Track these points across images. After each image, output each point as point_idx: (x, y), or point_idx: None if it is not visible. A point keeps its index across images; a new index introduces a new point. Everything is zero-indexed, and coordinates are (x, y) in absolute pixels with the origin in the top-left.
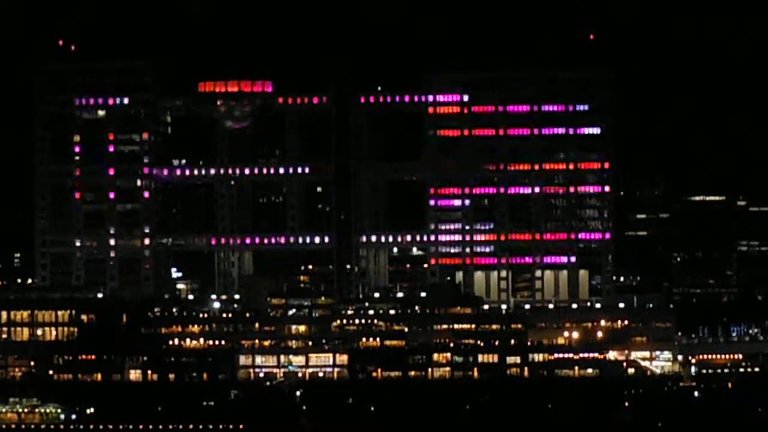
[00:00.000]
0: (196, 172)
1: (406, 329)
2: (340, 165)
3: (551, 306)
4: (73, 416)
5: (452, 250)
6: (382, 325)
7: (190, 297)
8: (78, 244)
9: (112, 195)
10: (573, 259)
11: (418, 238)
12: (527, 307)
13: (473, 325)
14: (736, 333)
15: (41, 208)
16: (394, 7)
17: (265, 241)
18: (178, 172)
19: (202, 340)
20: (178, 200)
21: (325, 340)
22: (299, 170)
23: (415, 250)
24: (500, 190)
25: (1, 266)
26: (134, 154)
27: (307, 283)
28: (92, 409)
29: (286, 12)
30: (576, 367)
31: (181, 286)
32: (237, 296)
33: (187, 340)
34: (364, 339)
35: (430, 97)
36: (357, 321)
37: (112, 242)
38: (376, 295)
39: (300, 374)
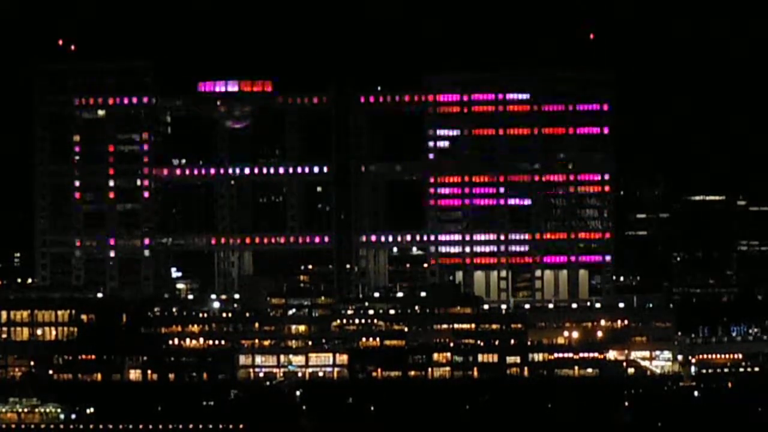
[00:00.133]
0: (196, 172)
1: (406, 329)
2: (340, 165)
3: (551, 306)
4: (73, 416)
5: (452, 250)
6: (382, 325)
7: (190, 297)
8: (78, 244)
9: (112, 195)
10: (573, 259)
11: (418, 238)
12: (527, 307)
13: (473, 325)
14: (736, 333)
15: (41, 208)
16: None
17: (265, 241)
18: (178, 172)
19: (202, 340)
20: (178, 200)
21: (325, 340)
22: (299, 170)
23: (415, 250)
24: (500, 190)
25: (1, 266)
26: (134, 154)
27: (307, 283)
28: (92, 409)
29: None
30: (576, 367)
31: (181, 286)
32: (237, 296)
33: (187, 340)
34: (364, 339)
35: (430, 97)
36: (357, 321)
37: (112, 242)
38: (376, 295)
39: (300, 374)
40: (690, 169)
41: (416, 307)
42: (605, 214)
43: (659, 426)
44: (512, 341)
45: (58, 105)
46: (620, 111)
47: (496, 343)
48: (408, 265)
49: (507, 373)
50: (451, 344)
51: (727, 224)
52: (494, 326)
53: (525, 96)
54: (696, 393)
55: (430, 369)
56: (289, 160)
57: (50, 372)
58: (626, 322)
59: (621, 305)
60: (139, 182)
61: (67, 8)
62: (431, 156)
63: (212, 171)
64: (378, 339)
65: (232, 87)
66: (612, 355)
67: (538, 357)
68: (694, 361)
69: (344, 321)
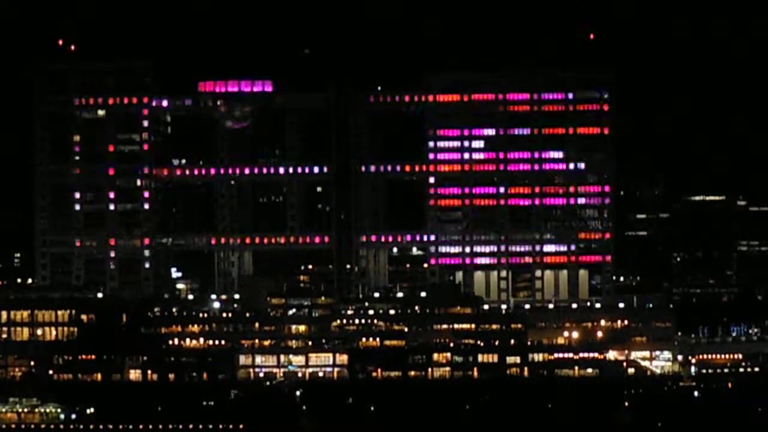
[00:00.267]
0: (196, 172)
1: (406, 329)
2: (340, 165)
3: (551, 306)
4: (73, 416)
5: (452, 250)
6: (382, 325)
7: (190, 297)
8: (78, 244)
9: (112, 195)
10: (573, 259)
11: (418, 238)
12: (527, 307)
13: (473, 325)
14: (736, 333)
15: (41, 208)
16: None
17: (265, 241)
18: (178, 172)
19: (202, 340)
20: (178, 200)
21: (325, 340)
22: (299, 170)
23: (415, 250)
24: (500, 190)
25: (1, 266)
26: (134, 154)
27: (307, 283)
28: (92, 409)
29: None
30: (576, 367)
31: (181, 286)
32: (237, 296)
33: (187, 340)
34: (364, 339)
35: (430, 97)
36: (357, 321)
37: (112, 242)
38: (376, 295)
39: (300, 374)
40: (690, 169)
41: (416, 307)
42: (605, 214)
43: (659, 426)
44: (512, 341)
45: (58, 105)
46: (620, 111)
47: (496, 343)
48: (408, 265)
49: (507, 373)
50: (451, 344)
51: (727, 224)
52: (494, 326)
53: (525, 96)
54: (696, 393)
55: (430, 369)
56: (289, 160)
57: (50, 372)
58: (626, 322)
59: (621, 305)
60: (139, 182)
61: (67, 8)
62: (431, 156)
63: (212, 171)
64: (378, 339)
65: (232, 87)
66: (612, 355)
67: (538, 357)
68: (694, 361)
69: (344, 321)
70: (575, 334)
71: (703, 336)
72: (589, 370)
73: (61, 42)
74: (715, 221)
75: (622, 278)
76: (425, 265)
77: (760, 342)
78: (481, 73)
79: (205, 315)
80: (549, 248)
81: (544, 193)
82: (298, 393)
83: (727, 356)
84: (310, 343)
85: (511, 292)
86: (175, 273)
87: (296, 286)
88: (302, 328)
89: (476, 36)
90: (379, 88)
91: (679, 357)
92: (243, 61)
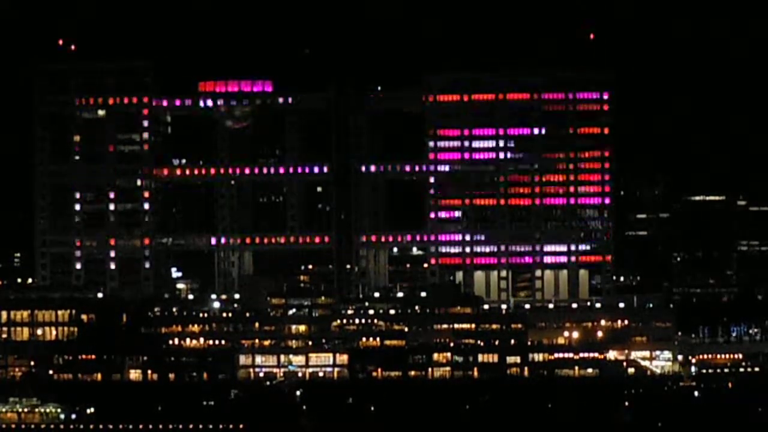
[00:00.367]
0: (196, 172)
1: (406, 329)
2: (340, 165)
3: (551, 306)
4: (73, 416)
5: (452, 250)
6: (382, 325)
7: (190, 297)
8: (78, 244)
9: (112, 195)
10: (573, 259)
11: (418, 238)
12: (527, 307)
13: (473, 325)
14: (736, 333)
15: (41, 208)
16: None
17: (265, 241)
18: (178, 172)
19: (202, 340)
20: (178, 200)
21: (325, 340)
22: (299, 170)
23: (415, 250)
24: (500, 190)
25: (1, 266)
26: (134, 154)
27: (307, 283)
28: (92, 409)
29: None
30: (576, 367)
31: (181, 286)
32: (237, 296)
33: (187, 340)
34: (364, 339)
35: (430, 97)
36: (357, 321)
37: (112, 242)
38: (376, 295)
39: (300, 374)
40: (690, 169)
41: (416, 307)
42: (605, 214)
43: (659, 426)
44: (512, 341)
45: (58, 105)
46: (620, 111)
47: (496, 343)
48: (408, 265)
49: (507, 373)
50: (451, 344)
51: (727, 224)
52: (494, 326)
53: (525, 96)
54: (696, 393)
55: (430, 369)
56: (289, 160)
57: (50, 372)
58: (626, 322)
59: (621, 305)
60: (139, 182)
61: (67, 8)
62: (431, 156)
63: (212, 171)
64: (378, 339)
65: (232, 87)
66: (612, 355)
67: (538, 357)
68: (694, 361)
69: (344, 321)
70: (575, 334)
71: (703, 336)
72: (589, 370)
73: (61, 42)
74: (715, 221)
75: (622, 278)
76: (425, 265)
77: (760, 342)
78: (481, 73)
79: (205, 315)
80: (549, 248)
81: (544, 193)
82: (298, 393)
83: (727, 356)
84: (310, 343)
85: (511, 292)
86: (175, 273)
87: (296, 286)
88: (302, 328)
89: (476, 36)
90: (379, 88)
91: (679, 357)
92: (243, 61)
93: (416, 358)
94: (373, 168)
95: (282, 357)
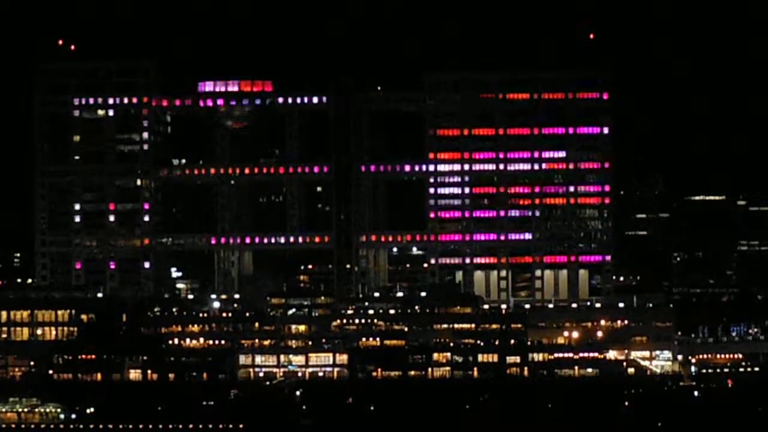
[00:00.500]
0: (196, 172)
1: (406, 329)
2: (340, 165)
3: (551, 306)
4: (73, 416)
5: (452, 250)
6: (382, 325)
7: (190, 297)
8: (78, 244)
9: (112, 195)
10: (573, 259)
11: (418, 238)
12: (527, 307)
13: (473, 325)
14: (736, 333)
15: (41, 208)
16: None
17: (265, 241)
18: (178, 172)
19: (202, 340)
20: (178, 200)
21: (325, 340)
22: (299, 170)
23: (415, 250)
24: (500, 190)
25: (1, 266)
26: (134, 154)
27: (307, 283)
28: (92, 409)
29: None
30: (576, 367)
31: (181, 286)
32: (237, 296)
33: (187, 340)
34: (364, 339)
35: (430, 97)
36: (357, 321)
37: (112, 242)
38: (376, 295)
39: (300, 374)
40: (690, 169)
41: (416, 307)
42: (605, 214)
43: (659, 426)
44: (512, 341)
45: (58, 105)
46: (620, 111)
47: (496, 343)
48: (408, 265)
49: (507, 373)
50: (451, 344)
51: (727, 224)
52: (494, 326)
53: (525, 96)
54: (696, 393)
55: (430, 369)
56: (289, 160)
57: (50, 372)
58: (626, 322)
59: (621, 305)
60: (139, 182)
61: (67, 8)
62: (431, 156)
63: (212, 171)
64: (378, 339)
65: (232, 87)
66: (612, 355)
67: (538, 357)
68: (694, 361)
69: (344, 321)
70: (575, 334)
71: (703, 336)
72: (589, 370)
73: (61, 42)
74: (715, 221)
75: (622, 278)
76: (425, 265)
77: (760, 342)
78: (481, 73)
79: (205, 315)
80: (549, 248)
81: (544, 193)
82: (298, 393)
83: (727, 356)
84: (310, 343)
85: (511, 292)
86: (175, 273)
87: (296, 286)
88: (302, 328)
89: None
90: (379, 88)
91: (679, 357)
92: (243, 61)
93: (416, 358)
94: (373, 168)
95: (282, 357)
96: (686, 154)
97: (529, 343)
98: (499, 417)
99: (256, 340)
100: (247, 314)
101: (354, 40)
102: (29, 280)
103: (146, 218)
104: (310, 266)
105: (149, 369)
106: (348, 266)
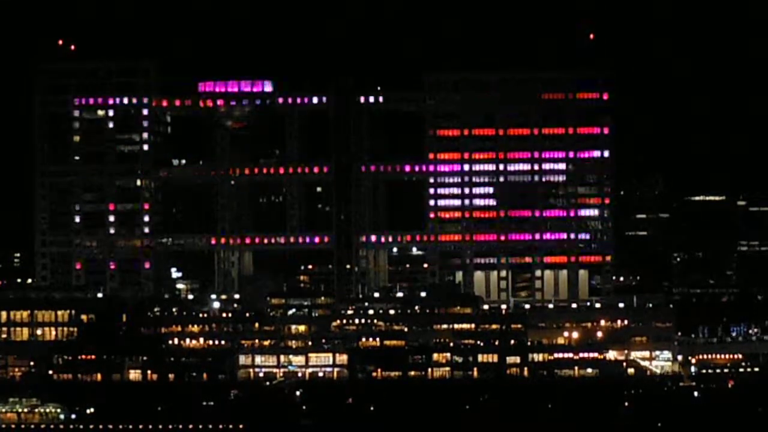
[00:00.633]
0: (196, 172)
1: (406, 329)
2: (340, 165)
3: (551, 306)
4: (73, 416)
5: (452, 250)
6: (382, 325)
7: (190, 297)
8: (78, 244)
9: (112, 195)
10: (573, 259)
11: (418, 238)
12: (527, 307)
13: (473, 325)
14: (736, 333)
15: (41, 208)
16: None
17: (265, 241)
18: (178, 172)
19: (202, 340)
20: (178, 200)
21: (324, 340)
22: (299, 170)
23: (415, 250)
24: (500, 190)
25: (1, 266)
26: (134, 154)
27: (307, 283)
28: (92, 409)
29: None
30: (576, 367)
31: (181, 286)
32: (237, 296)
33: (187, 340)
34: (364, 339)
35: (430, 97)
36: (357, 321)
37: (112, 242)
38: (376, 295)
39: (300, 374)
40: (690, 169)
41: (416, 307)
42: (605, 214)
43: (659, 426)
44: (512, 341)
45: (58, 105)
46: (620, 111)
47: (496, 343)
48: (408, 265)
49: (507, 373)
50: (451, 344)
51: (727, 224)
52: (494, 326)
53: (524, 96)
54: (696, 393)
55: (430, 369)
56: (289, 160)
57: (50, 372)
58: (626, 322)
59: (621, 305)
60: (139, 182)
61: (67, 8)
62: (431, 156)
63: (212, 171)
64: (378, 339)
65: (232, 87)
66: (612, 355)
67: (538, 357)
68: (694, 361)
69: (344, 321)
70: (575, 334)
71: (703, 336)
72: (589, 370)
73: (61, 42)
74: (715, 221)
75: (622, 278)
76: (425, 265)
77: (760, 342)
78: (481, 73)
79: (205, 315)
80: (549, 248)
81: (544, 193)
82: (298, 393)
83: (727, 356)
84: (310, 343)
85: (511, 292)
86: (175, 273)
87: (296, 286)
88: (302, 328)
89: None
90: (379, 88)
91: (679, 357)
92: (243, 61)
93: (416, 358)
94: (373, 168)
95: (282, 357)
96: (686, 154)
97: (529, 343)
98: (499, 417)
99: (256, 341)
100: (247, 314)
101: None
102: (29, 280)
103: (146, 218)
104: (310, 266)
105: (149, 369)
106: (348, 266)
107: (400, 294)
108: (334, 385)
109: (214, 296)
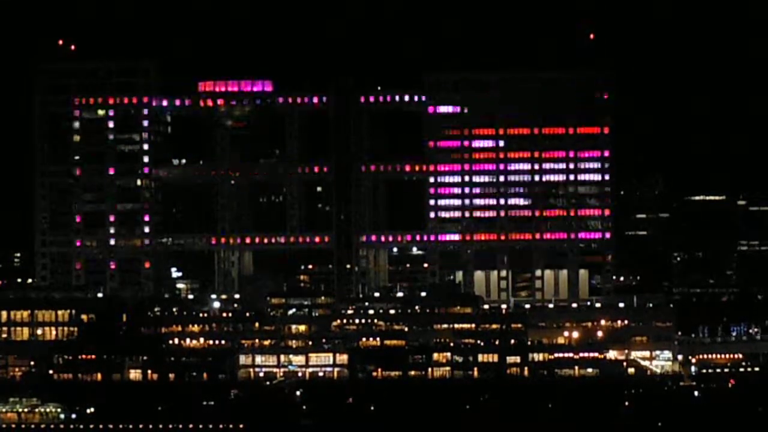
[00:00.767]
0: (196, 172)
1: (406, 329)
2: (340, 165)
3: (551, 306)
4: (73, 416)
5: (452, 250)
6: (382, 325)
7: (190, 297)
8: (78, 244)
9: (112, 195)
10: (573, 259)
11: (418, 238)
12: (527, 306)
13: (473, 325)
14: (736, 333)
15: (41, 208)
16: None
17: (265, 241)
18: (178, 172)
19: (202, 340)
20: (178, 200)
21: (325, 340)
22: (299, 170)
23: (415, 250)
24: (500, 190)
25: (1, 266)
26: (134, 154)
27: (307, 283)
28: (92, 409)
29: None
30: (576, 367)
31: (181, 286)
32: (237, 296)
33: (187, 340)
34: (364, 339)
35: (430, 97)
36: (357, 321)
37: (112, 242)
38: (376, 295)
39: (300, 374)
40: (690, 169)
41: (416, 307)
42: (605, 214)
43: (659, 426)
44: (512, 341)
45: (58, 105)
46: (620, 112)
47: (496, 343)
48: (408, 265)
49: (507, 373)
50: (451, 344)
51: (727, 224)
52: (494, 326)
53: (524, 96)
54: (696, 393)
55: (430, 369)
56: (289, 160)
57: (50, 372)
58: (626, 322)
59: (621, 305)
60: (139, 182)
61: (67, 8)
62: (431, 156)
63: (212, 171)
64: (378, 339)
65: (232, 87)
66: (612, 355)
67: (538, 357)
68: (694, 361)
69: (344, 321)
70: (575, 334)
71: (703, 336)
72: (589, 370)
73: (61, 42)
74: (715, 221)
75: (622, 278)
76: (425, 265)
77: (760, 342)
78: (481, 73)
79: (205, 315)
80: (549, 248)
81: (544, 193)
82: (298, 393)
83: (727, 356)
84: (310, 343)
85: (511, 292)
86: (175, 273)
87: (296, 286)
88: (302, 328)
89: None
90: (379, 88)
91: (679, 357)
92: (243, 61)
93: (416, 358)
94: (373, 168)
95: (282, 357)
96: (686, 154)
97: (529, 343)
98: (499, 417)
99: (256, 340)
100: (247, 314)
101: (354, 40)
102: (29, 280)
103: (146, 218)
104: (310, 266)
105: (149, 369)
106: (348, 266)
107: (400, 294)
108: (334, 385)
109: (214, 296)
